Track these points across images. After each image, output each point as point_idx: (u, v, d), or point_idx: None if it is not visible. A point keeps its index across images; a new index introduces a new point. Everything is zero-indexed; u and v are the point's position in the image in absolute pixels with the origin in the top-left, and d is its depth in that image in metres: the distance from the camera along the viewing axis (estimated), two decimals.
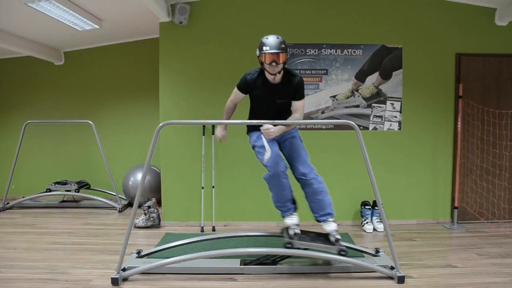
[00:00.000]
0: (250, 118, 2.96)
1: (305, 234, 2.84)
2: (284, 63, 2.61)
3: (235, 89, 2.84)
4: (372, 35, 4.00)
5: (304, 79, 3.96)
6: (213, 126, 3.98)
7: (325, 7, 3.98)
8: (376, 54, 4.01)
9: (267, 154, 2.69)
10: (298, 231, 2.78)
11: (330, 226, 2.78)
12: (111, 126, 5.39)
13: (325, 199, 2.81)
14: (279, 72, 2.64)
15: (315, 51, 4.01)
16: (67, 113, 5.40)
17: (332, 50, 4.01)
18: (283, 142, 2.89)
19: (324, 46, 4.01)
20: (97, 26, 4.31)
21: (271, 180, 2.73)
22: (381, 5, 4.00)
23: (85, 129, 5.38)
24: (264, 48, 2.54)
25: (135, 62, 5.30)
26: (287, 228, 2.84)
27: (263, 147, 2.74)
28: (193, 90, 3.99)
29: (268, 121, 2.63)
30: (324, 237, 2.81)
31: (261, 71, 2.72)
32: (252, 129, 2.92)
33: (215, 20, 3.97)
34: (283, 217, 2.86)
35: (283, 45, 2.55)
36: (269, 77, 2.68)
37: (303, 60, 4.00)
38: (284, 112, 2.86)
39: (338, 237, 2.73)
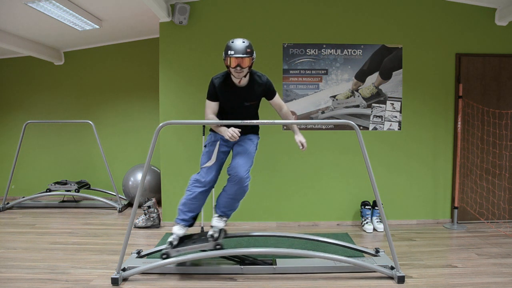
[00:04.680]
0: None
1: (188, 239, 2.87)
2: (250, 67, 2.60)
3: (207, 101, 2.78)
4: (372, 35, 4.00)
5: (304, 79, 4.01)
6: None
7: (325, 7, 3.99)
8: (376, 54, 4.01)
9: (209, 163, 2.80)
10: (176, 242, 2.76)
11: (218, 223, 2.84)
12: (111, 126, 5.39)
13: (236, 205, 2.88)
14: (244, 76, 2.63)
15: (315, 51, 4.01)
16: (67, 113, 5.41)
17: (332, 50, 4.01)
18: (240, 141, 2.84)
19: (324, 46, 4.01)
20: (97, 26, 4.31)
21: (193, 183, 2.81)
22: (381, 5, 4.00)
23: (85, 129, 5.39)
24: (229, 52, 2.52)
25: (135, 62, 5.30)
26: (171, 235, 2.83)
27: (211, 153, 2.80)
28: (193, 90, 3.99)
29: (276, 121, 2.64)
30: (205, 236, 2.83)
31: (228, 74, 2.71)
32: (213, 129, 2.88)
33: (215, 20, 3.97)
34: (176, 222, 2.86)
35: (248, 50, 2.53)
36: (235, 80, 2.67)
37: (303, 60, 4.00)
38: (252, 114, 2.88)
39: (216, 234, 2.76)
